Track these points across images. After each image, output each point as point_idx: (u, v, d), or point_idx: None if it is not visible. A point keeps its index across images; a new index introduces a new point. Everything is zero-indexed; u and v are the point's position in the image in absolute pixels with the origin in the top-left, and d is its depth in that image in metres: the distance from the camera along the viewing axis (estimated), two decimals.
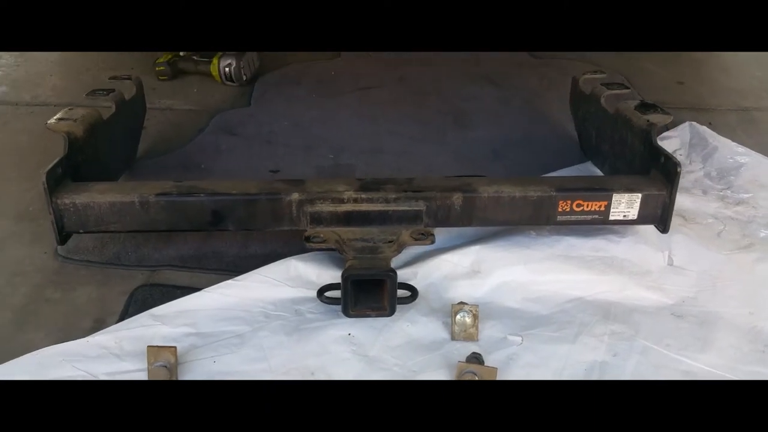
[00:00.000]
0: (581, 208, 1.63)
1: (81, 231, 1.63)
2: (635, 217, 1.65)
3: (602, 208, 1.63)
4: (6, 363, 1.40)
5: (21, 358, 1.42)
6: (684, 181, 1.85)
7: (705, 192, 2.01)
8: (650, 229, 1.74)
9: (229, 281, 1.63)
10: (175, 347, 1.38)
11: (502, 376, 1.37)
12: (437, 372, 1.41)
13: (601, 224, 1.68)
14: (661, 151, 1.67)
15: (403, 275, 1.61)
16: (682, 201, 1.84)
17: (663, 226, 1.67)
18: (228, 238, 1.81)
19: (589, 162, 2.12)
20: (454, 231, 1.77)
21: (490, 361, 1.41)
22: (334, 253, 1.71)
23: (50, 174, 1.56)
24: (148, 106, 2.23)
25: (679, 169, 1.60)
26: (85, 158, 1.72)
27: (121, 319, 1.55)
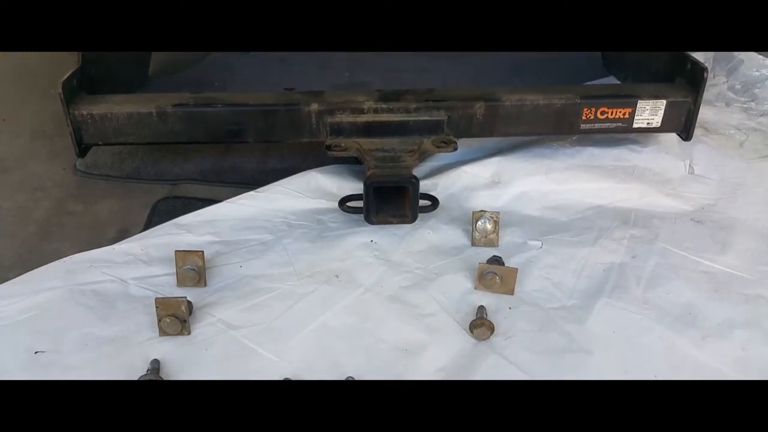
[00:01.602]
0: (605, 115, 1.68)
1: (99, 143, 1.69)
2: (659, 125, 1.71)
3: (626, 116, 1.68)
4: (35, 270, 1.49)
5: (49, 265, 1.50)
6: (707, 94, 1.89)
7: (728, 104, 2.05)
8: (672, 139, 1.80)
9: (251, 192, 1.71)
10: (202, 251, 1.46)
11: (521, 277, 1.45)
12: (458, 274, 1.49)
13: (624, 132, 1.73)
14: (687, 57, 1.71)
15: (423, 186, 1.67)
16: (704, 113, 1.89)
17: (686, 133, 1.72)
18: (247, 153, 1.88)
19: (612, 77, 2.15)
20: (474, 144, 1.83)
21: (510, 264, 1.49)
22: (353, 167, 1.78)
23: (66, 85, 1.61)
24: None
25: (705, 74, 1.64)
26: (99, 71, 1.77)
27: (145, 229, 1.63)
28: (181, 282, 1.45)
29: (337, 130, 1.69)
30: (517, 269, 1.44)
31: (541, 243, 1.57)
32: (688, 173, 1.77)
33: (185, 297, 1.34)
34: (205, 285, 1.46)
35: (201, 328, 1.35)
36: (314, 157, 1.81)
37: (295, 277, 1.48)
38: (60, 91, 1.60)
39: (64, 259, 1.52)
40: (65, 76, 1.63)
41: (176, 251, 1.46)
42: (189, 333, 1.33)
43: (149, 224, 1.65)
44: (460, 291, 1.45)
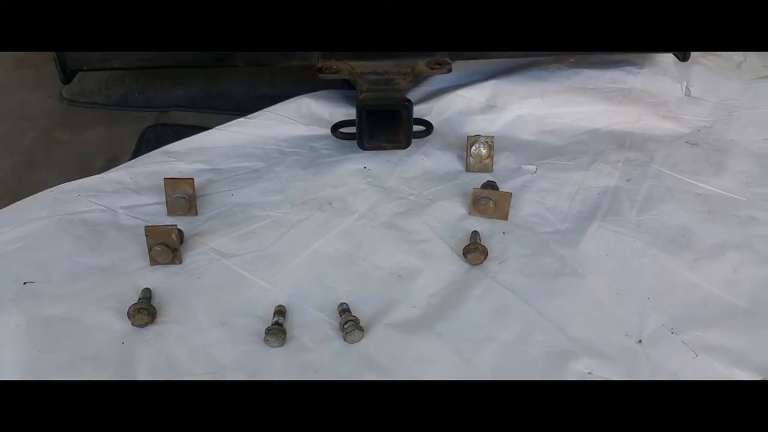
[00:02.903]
0: None
1: (84, 68, 1.59)
2: None
3: None
4: (23, 200, 1.41)
5: (37, 194, 1.43)
6: None
7: None
8: (669, 60, 1.71)
9: (242, 119, 1.62)
10: (192, 179, 1.39)
11: (515, 202, 1.39)
12: (452, 200, 1.43)
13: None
14: None
15: (418, 111, 1.59)
16: None
17: (683, 54, 1.63)
18: (237, 79, 1.78)
19: None
20: (470, 68, 1.74)
21: (504, 188, 1.43)
22: (346, 92, 1.69)
23: None
24: None
25: None
26: None
27: (134, 157, 1.56)
28: (171, 211, 1.39)
29: (329, 53, 1.59)
30: (511, 194, 1.38)
31: (535, 167, 1.50)
32: (685, 95, 1.69)
33: (175, 225, 1.27)
34: (196, 213, 1.39)
35: (193, 257, 1.29)
36: (305, 82, 1.71)
37: (288, 205, 1.42)
38: None
39: (52, 188, 1.44)
40: None
41: (165, 179, 1.39)
42: (180, 262, 1.28)
43: (138, 152, 1.57)
44: (454, 216, 1.39)
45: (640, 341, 1.14)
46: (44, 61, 1.70)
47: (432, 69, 1.57)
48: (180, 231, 1.30)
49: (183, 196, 1.38)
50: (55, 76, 1.59)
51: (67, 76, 1.58)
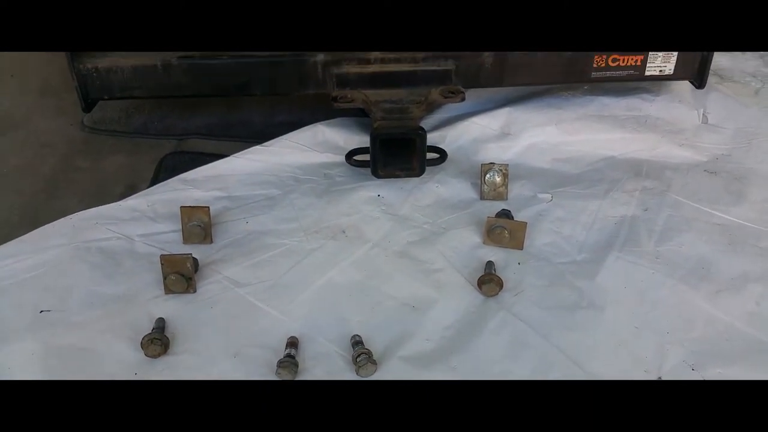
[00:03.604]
0: (617, 63, 1.55)
1: (105, 97, 1.59)
2: (672, 72, 1.58)
3: (638, 63, 1.55)
4: (42, 227, 1.40)
5: (56, 222, 1.42)
6: None
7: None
8: (685, 88, 1.67)
9: (258, 147, 1.60)
10: (208, 207, 1.37)
11: (531, 231, 1.35)
12: (466, 229, 1.39)
13: (636, 80, 1.61)
14: None
15: (431, 139, 1.56)
16: (718, 60, 1.75)
17: (699, 81, 1.59)
18: (254, 106, 1.77)
19: None
20: (484, 95, 1.71)
21: (519, 217, 1.39)
22: (360, 119, 1.67)
23: None
24: None
25: None
26: None
27: (152, 184, 1.54)
28: (187, 239, 1.37)
29: (344, 81, 1.57)
30: (526, 223, 1.34)
31: (551, 196, 1.46)
32: (702, 123, 1.65)
33: (190, 254, 1.25)
34: (212, 241, 1.37)
35: (207, 286, 1.27)
36: (322, 110, 1.70)
37: (302, 233, 1.39)
38: None
39: (71, 216, 1.43)
40: None
41: (182, 207, 1.37)
42: (195, 291, 1.25)
43: (156, 180, 1.55)
44: (468, 246, 1.35)
45: (659, 378, 1.09)
46: (67, 90, 1.71)
47: (445, 98, 1.55)
48: (195, 259, 1.28)
49: (199, 224, 1.36)
50: (76, 104, 1.58)
51: (88, 105, 1.58)
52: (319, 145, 1.62)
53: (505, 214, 1.39)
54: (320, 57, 1.55)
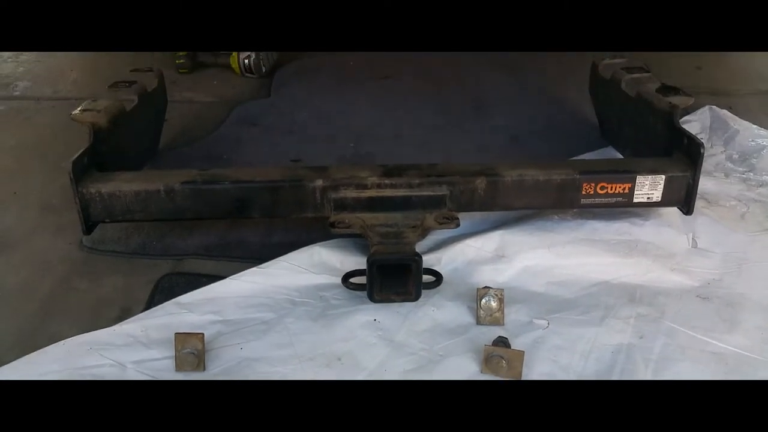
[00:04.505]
0: (605, 190, 1.60)
1: (107, 220, 1.62)
2: (659, 199, 1.62)
3: (626, 191, 1.60)
4: (34, 353, 1.39)
5: (49, 347, 1.40)
6: (706, 164, 1.80)
7: (727, 175, 1.97)
8: (674, 212, 1.71)
9: (254, 269, 1.61)
10: (202, 334, 1.36)
11: (528, 360, 1.34)
12: (464, 356, 1.38)
13: (625, 207, 1.65)
14: (684, 133, 1.64)
15: (427, 261, 1.58)
16: (704, 184, 1.80)
17: (687, 207, 1.63)
18: (252, 227, 1.79)
19: (610, 147, 2.08)
20: (477, 216, 1.74)
21: (516, 344, 1.39)
22: (357, 240, 1.69)
23: (76, 164, 1.55)
24: (169, 98, 2.21)
25: (702, 150, 1.57)
26: (109, 149, 1.71)
27: (147, 307, 1.54)
28: (179, 366, 1.35)
29: (341, 206, 1.61)
30: (523, 352, 1.33)
31: (547, 322, 1.46)
32: (692, 247, 1.67)
33: None
34: (204, 369, 1.35)
35: None
36: (319, 230, 1.72)
37: (296, 360, 1.37)
38: (70, 170, 1.53)
39: (65, 341, 1.42)
40: (76, 155, 1.57)
41: (176, 334, 1.36)
42: None
43: (151, 302, 1.55)
44: (466, 374, 1.34)
45: None
46: (68, 208, 1.73)
47: (440, 224, 1.58)
48: None
49: (192, 351, 1.35)
50: (77, 223, 1.61)
51: (89, 228, 1.61)
52: (315, 266, 1.63)
53: (502, 342, 1.39)
54: (318, 182, 1.59)
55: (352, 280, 1.56)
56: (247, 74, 2.62)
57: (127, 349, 1.40)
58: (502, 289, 1.48)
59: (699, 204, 1.71)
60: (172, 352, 1.36)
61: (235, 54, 2.61)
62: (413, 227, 1.57)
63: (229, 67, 2.64)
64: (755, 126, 2.15)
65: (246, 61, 2.59)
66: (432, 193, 1.61)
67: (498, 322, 1.47)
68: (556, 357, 1.37)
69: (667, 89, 1.78)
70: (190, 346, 1.35)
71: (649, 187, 1.61)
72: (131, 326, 1.46)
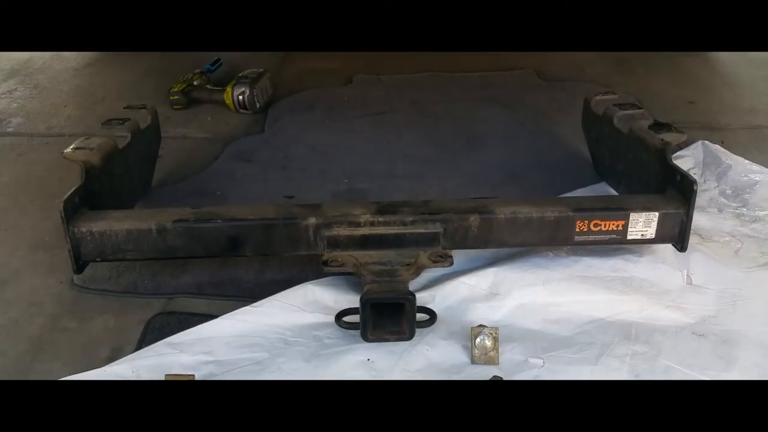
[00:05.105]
0: (599, 227, 1.61)
1: (98, 259, 1.62)
2: (653, 236, 1.63)
3: (620, 228, 1.61)
4: None
5: None
6: (699, 199, 1.82)
7: (721, 210, 1.98)
8: (668, 249, 1.72)
9: (247, 308, 1.61)
10: (192, 375, 1.36)
11: None
12: None
13: (618, 244, 1.66)
14: (676, 170, 1.66)
15: (421, 299, 1.58)
16: (698, 219, 1.81)
17: (681, 244, 1.64)
18: (244, 265, 1.79)
19: (604, 182, 2.10)
20: (471, 253, 1.75)
21: None
22: (351, 278, 1.69)
23: (68, 203, 1.56)
24: (163, 134, 2.23)
25: (695, 187, 1.58)
26: (102, 187, 1.72)
27: (138, 347, 1.53)
28: None
29: (335, 243, 1.62)
30: None
31: (542, 361, 1.46)
32: (686, 283, 1.68)
33: None
34: None
35: None
36: (312, 268, 1.72)
37: None
38: (61, 209, 1.54)
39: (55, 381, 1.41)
40: (67, 194, 1.57)
41: (167, 375, 1.36)
42: None
43: (142, 342, 1.54)
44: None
45: None
46: (59, 246, 1.73)
47: (434, 262, 1.59)
48: None
49: None
50: (68, 261, 1.60)
51: (79, 267, 1.60)
52: (309, 305, 1.63)
53: None
54: (311, 220, 1.60)
55: (345, 318, 1.55)
56: (242, 110, 2.65)
57: None
58: (497, 328, 1.48)
59: (693, 240, 1.72)
60: None
61: (229, 90, 2.64)
62: (407, 265, 1.58)
63: (223, 103, 2.67)
64: (747, 161, 2.18)
65: (240, 97, 2.62)
66: (426, 231, 1.62)
67: (493, 361, 1.47)
68: None
69: (659, 126, 1.80)
70: None
71: (642, 225, 1.62)
72: (121, 367, 1.45)
